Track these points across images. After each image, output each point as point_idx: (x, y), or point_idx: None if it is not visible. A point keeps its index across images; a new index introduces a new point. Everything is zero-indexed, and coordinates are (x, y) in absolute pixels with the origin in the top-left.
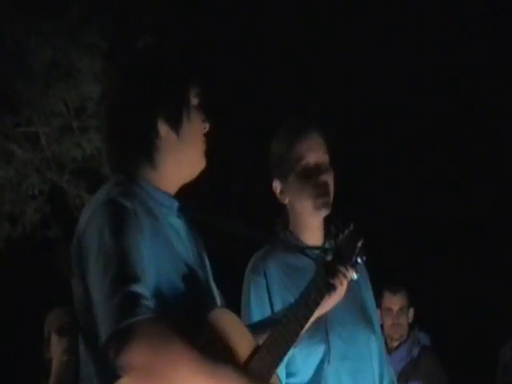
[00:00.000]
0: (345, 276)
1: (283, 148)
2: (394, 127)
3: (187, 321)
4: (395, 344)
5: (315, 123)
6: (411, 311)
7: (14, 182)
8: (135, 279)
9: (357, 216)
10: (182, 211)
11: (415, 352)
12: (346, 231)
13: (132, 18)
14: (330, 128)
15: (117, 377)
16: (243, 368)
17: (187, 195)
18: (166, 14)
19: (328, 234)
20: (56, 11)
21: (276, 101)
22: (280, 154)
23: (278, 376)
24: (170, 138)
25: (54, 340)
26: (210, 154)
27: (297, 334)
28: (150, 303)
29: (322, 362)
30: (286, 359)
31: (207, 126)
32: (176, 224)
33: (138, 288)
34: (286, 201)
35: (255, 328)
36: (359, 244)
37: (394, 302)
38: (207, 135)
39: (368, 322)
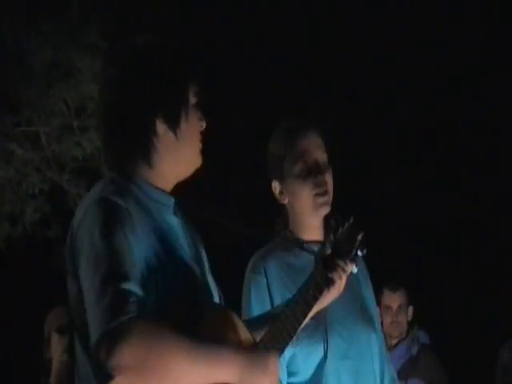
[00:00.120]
0: (344, 270)
1: (281, 148)
2: (394, 127)
3: (183, 318)
4: (394, 342)
5: (313, 123)
6: (410, 309)
7: (14, 181)
8: (126, 278)
9: (356, 215)
10: (180, 208)
11: (414, 350)
12: (346, 224)
13: (132, 17)
14: (329, 128)
15: (112, 377)
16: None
17: (188, 195)
18: (166, 14)
19: (327, 227)
20: (56, 11)
21: (276, 101)
22: (278, 155)
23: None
24: (167, 137)
25: (54, 339)
26: (210, 154)
27: (295, 330)
28: (141, 301)
29: (322, 362)
30: (286, 358)
31: (204, 123)
32: (172, 221)
33: (128, 286)
34: (286, 201)
35: (253, 324)
36: (359, 237)
37: (394, 299)
38: (204, 133)
39: (369, 320)
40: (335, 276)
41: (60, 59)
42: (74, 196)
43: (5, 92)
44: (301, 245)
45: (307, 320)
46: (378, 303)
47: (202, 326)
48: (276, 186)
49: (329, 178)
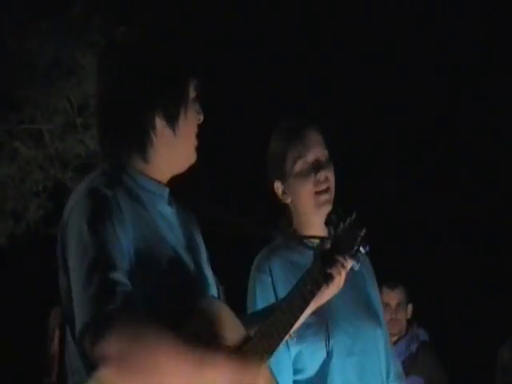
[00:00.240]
0: (343, 266)
1: (281, 148)
2: (394, 127)
3: (173, 309)
4: (393, 339)
5: (312, 121)
6: (410, 307)
7: (18, 178)
8: (113, 267)
9: (357, 214)
10: (175, 199)
11: (414, 347)
12: (348, 220)
13: (134, 16)
14: (329, 128)
15: (98, 367)
16: (231, 351)
17: (189, 194)
18: (167, 13)
19: (328, 222)
20: (59, 9)
21: (276, 101)
22: (279, 155)
23: (269, 368)
24: (165, 133)
25: (58, 336)
26: (210, 155)
27: (291, 325)
28: (128, 291)
29: (328, 358)
30: (292, 355)
31: (202, 116)
32: (166, 211)
33: (116, 276)
34: (288, 201)
35: (250, 319)
36: (361, 233)
37: (392, 297)
38: (201, 126)
39: (374, 316)
40: (334, 271)
41: (63, 57)
42: None
43: (8, 90)
44: (301, 240)
45: (306, 316)
46: None
47: (192, 319)
48: (278, 186)
49: (330, 174)
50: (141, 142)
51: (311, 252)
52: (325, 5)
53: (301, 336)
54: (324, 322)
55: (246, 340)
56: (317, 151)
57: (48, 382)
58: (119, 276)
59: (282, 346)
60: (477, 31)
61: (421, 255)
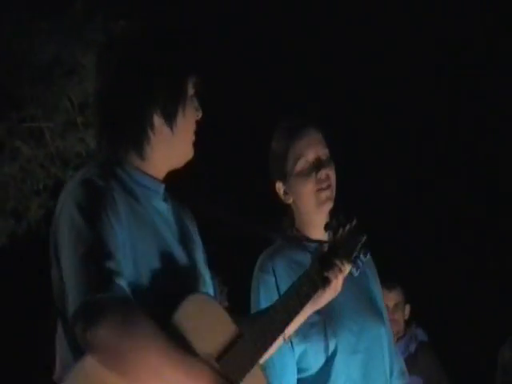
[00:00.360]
0: (340, 270)
1: (282, 149)
2: (394, 127)
3: (162, 304)
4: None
5: (312, 120)
6: (407, 308)
7: (19, 177)
8: (107, 255)
9: (356, 214)
10: (171, 196)
11: (412, 348)
12: (348, 226)
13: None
14: (329, 128)
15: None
16: (216, 363)
17: (189, 193)
18: (167, 12)
19: (327, 226)
20: (59, 8)
21: (276, 101)
22: (280, 155)
23: (262, 368)
24: (163, 131)
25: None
26: (210, 155)
27: (285, 325)
28: (122, 282)
29: (332, 357)
30: (297, 354)
31: (200, 113)
32: (161, 207)
33: (109, 264)
34: (290, 201)
35: (248, 318)
36: (362, 240)
37: (390, 298)
38: (199, 123)
39: (377, 313)
40: (331, 275)
41: (64, 56)
42: None
43: (9, 89)
44: (299, 242)
45: (303, 319)
46: None
47: (183, 313)
48: (280, 186)
49: (331, 172)
50: (138, 139)
51: (307, 251)
52: (325, 5)
53: (305, 335)
54: (328, 320)
55: (238, 337)
56: (317, 150)
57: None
58: (114, 265)
59: (281, 345)
60: (477, 31)
61: (419, 255)
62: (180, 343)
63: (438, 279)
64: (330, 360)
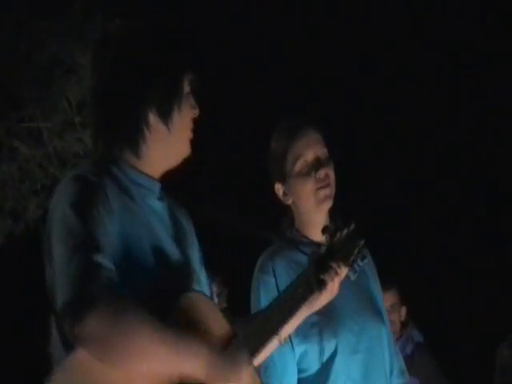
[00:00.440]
0: (337, 273)
1: (281, 150)
2: (394, 127)
3: (155, 301)
4: None
5: (310, 120)
6: (403, 309)
7: (17, 177)
8: (97, 250)
9: (354, 215)
10: (167, 195)
11: (409, 349)
12: (345, 230)
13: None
14: (330, 128)
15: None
16: (214, 344)
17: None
18: (166, 12)
19: (325, 230)
20: (59, 7)
21: (276, 101)
22: (278, 156)
23: (254, 369)
24: (158, 129)
25: None
26: (210, 155)
27: (280, 326)
28: (112, 275)
29: (332, 357)
30: (297, 355)
31: (197, 111)
32: (156, 206)
33: (99, 258)
34: (290, 201)
35: (243, 318)
36: (360, 245)
37: (386, 299)
38: (196, 121)
39: (377, 313)
40: (327, 278)
41: (62, 56)
42: None
43: (7, 89)
44: (296, 245)
45: (299, 321)
46: None
47: (176, 310)
48: (279, 187)
49: (330, 172)
50: (133, 138)
51: (318, 249)
52: (325, 4)
53: (305, 335)
54: (328, 320)
55: (232, 337)
56: (316, 150)
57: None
58: (103, 260)
59: (279, 347)
60: (477, 31)
61: (417, 256)
62: (173, 326)
63: (434, 280)
64: (330, 360)
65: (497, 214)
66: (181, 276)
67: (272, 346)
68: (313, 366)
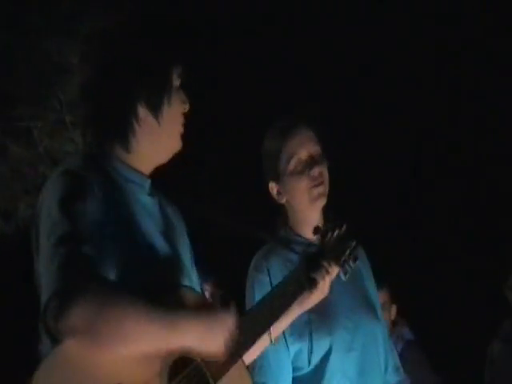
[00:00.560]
0: (327, 271)
1: (274, 149)
2: (394, 127)
3: (144, 294)
4: None
5: (302, 118)
6: (394, 308)
7: (7, 177)
8: (82, 241)
9: (346, 213)
10: (158, 192)
11: (399, 347)
12: (337, 231)
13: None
14: (329, 128)
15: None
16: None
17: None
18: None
19: (316, 230)
20: (48, 5)
21: (276, 101)
22: (272, 156)
23: (245, 367)
24: (148, 121)
25: None
26: (210, 155)
27: (269, 323)
28: (97, 265)
29: (327, 355)
30: (292, 353)
31: (187, 106)
32: (146, 201)
33: (84, 249)
34: (284, 200)
35: None
36: (351, 246)
37: None
38: (186, 115)
39: (372, 310)
40: (318, 276)
41: (53, 54)
42: None
43: None
44: (287, 245)
45: (290, 321)
46: None
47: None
48: (273, 186)
49: (323, 169)
50: (123, 131)
51: (311, 249)
52: (325, 4)
53: (300, 334)
54: (323, 319)
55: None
56: (309, 148)
57: None
58: (88, 250)
59: (270, 346)
60: (477, 31)
61: (407, 254)
62: (160, 304)
63: (424, 278)
64: (325, 358)
65: (497, 213)
66: (171, 270)
67: (263, 343)
68: (307, 364)
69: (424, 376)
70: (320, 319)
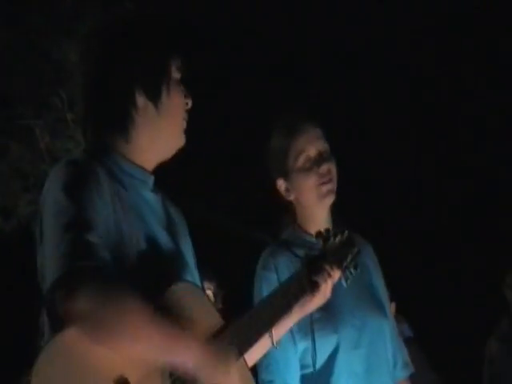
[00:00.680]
0: (329, 275)
1: (282, 147)
2: (394, 127)
3: (147, 287)
4: None
5: (309, 116)
6: (392, 306)
7: (8, 174)
8: (89, 228)
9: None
10: (160, 189)
11: None
12: (339, 237)
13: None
14: (329, 128)
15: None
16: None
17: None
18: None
19: (318, 235)
20: (48, 3)
21: (276, 100)
22: (280, 153)
23: (246, 366)
24: (147, 111)
25: None
26: (210, 155)
27: (271, 323)
28: (104, 255)
29: (334, 353)
30: (300, 351)
31: (190, 102)
32: (148, 197)
33: (91, 237)
34: (292, 197)
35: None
36: (353, 252)
37: None
38: (189, 112)
39: (379, 306)
40: (320, 279)
41: (53, 52)
42: None
43: None
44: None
45: (291, 324)
46: None
47: (163, 300)
48: (281, 183)
49: (332, 167)
50: (122, 120)
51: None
52: (325, 4)
53: (306, 332)
54: (330, 316)
55: (222, 329)
56: (318, 145)
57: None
58: (95, 238)
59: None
60: (477, 31)
61: (406, 252)
62: (165, 315)
63: (424, 275)
64: (332, 356)
65: (497, 214)
66: (174, 266)
67: (264, 346)
68: (314, 361)
69: (422, 373)
70: (326, 317)
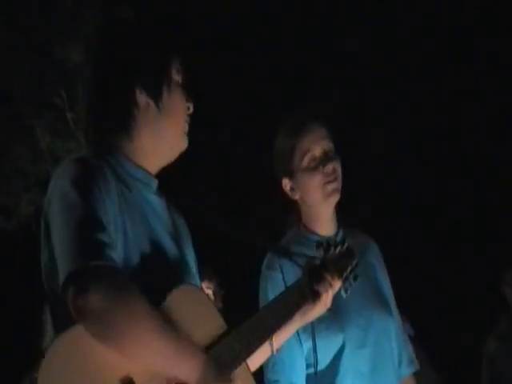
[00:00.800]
0: (330, 284)
1: (288, 146)
2: (394, 127)
3: (151, 289)
4: None
5: (315, 116)
6: None
7: (9, 174)
8: (100, 228)
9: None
10: (164, 192)
11: None
12: (339, 248)
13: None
14: (330, 128)
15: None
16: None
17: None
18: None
19: (319, 245)
20: (50, 3)
21: (276, 101)
22: (285, 153)
23: (249, 369)
24: (149, 110)
25: None
26: (210, 155)
27: (272, 330)
28: (115, 255)
29: (340, 352)
30: (305, 350)
31: (191, 106)
32: (152, 199)
33: (102, 236)
34: (297, 196)
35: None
36: (353, 263)
37: None
38: (191, 116)
39: (384, 305)
40: (321, 288)
41: (54, 52)
42: None
43: None
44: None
45: (291, 331)
46: None
47: (171, 302)
48: (286, 182)
49: (337, 166)
50: (123, 119)
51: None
52: (325, 4)
53: (310, 332)
54: (335, 316)
55: (224, 333)
56: (323, 144)
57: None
58: (106, 237)
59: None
60: (477, 31)
61: (408, 252)
62: (173, 324)
63: (425, 274)
64: (338, 355)
65: (497, 213)
66: (177, 269)
67: (264, 354)
68: (320, 361)
69: (423, 372)
70: (332, 316)
